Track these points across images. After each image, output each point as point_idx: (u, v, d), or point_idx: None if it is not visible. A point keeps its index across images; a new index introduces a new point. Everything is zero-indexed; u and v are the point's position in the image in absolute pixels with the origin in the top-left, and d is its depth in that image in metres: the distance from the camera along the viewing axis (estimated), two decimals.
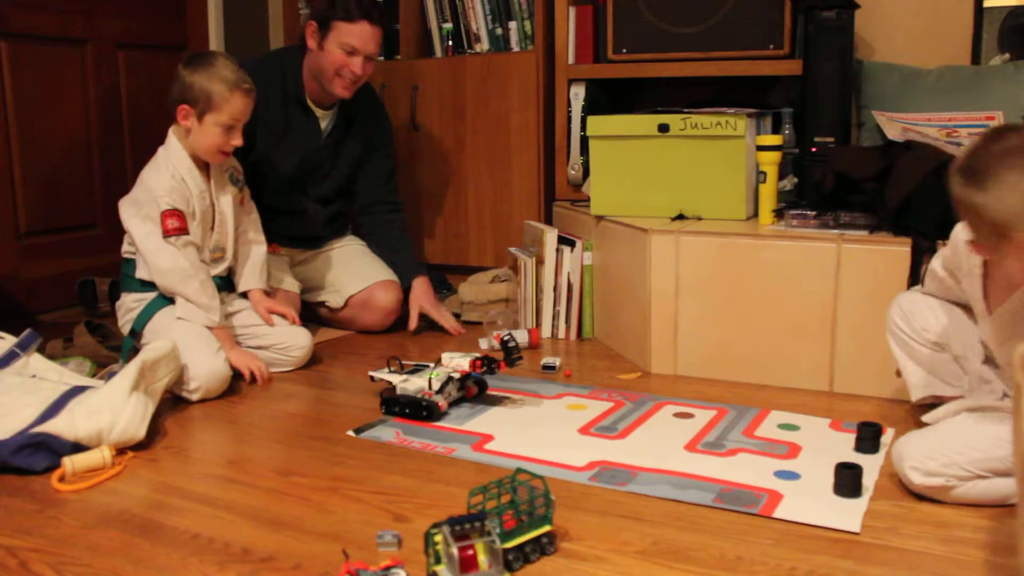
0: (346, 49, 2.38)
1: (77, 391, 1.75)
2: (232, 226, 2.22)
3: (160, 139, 2.17)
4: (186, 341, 1.97)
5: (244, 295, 2.29)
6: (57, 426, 1.63)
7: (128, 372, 1.73)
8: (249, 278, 2.27)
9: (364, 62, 2.42)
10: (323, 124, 2.55)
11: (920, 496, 1.45)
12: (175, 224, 2.06)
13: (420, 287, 2.61)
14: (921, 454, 1.43)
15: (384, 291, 2.59)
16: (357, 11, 2.37)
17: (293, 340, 2.25)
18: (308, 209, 2.61)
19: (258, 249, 2.30)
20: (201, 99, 2.06)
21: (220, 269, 2.22)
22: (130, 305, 2.16)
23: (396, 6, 3.15)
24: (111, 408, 1.67)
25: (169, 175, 2.09)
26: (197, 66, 2.08)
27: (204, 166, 2.16)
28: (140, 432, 1.70)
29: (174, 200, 2.08)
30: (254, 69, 2.21)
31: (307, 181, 2.59)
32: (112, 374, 1.86)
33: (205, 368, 1.99)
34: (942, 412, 1.56)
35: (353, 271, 2.62)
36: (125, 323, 2.16)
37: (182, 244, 2.08)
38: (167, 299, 2.11)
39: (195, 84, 2.06)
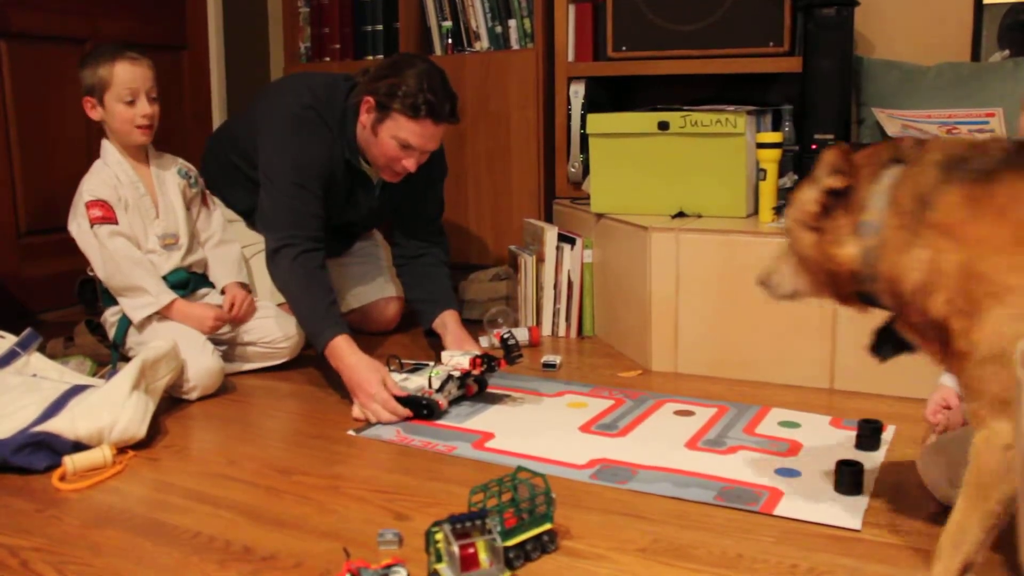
0: (401, 143, 2.08)
1: (78, 390, 1.75)
2: (183, 212, 2.20)
3: (160, 138, 2.18)
4: None
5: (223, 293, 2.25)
6: (58, 425, 1.63)
7: (129, 371, 1.73)
8: (228, 274, 2.25)
9: (420, 157, 2.12)
10: (375, 179, 2.30)
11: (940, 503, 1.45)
12: (98, 213, 2.06)
13: (449, 322, 2.26)
14: (958, 467, 1.30)
15: (384, 307, 2.58)
16: (424, 109, 2.02)
17: (279, 332, 2.23)
18: (343, 242, 2.57)
19: (230, 248, 2.29)
20: (96, 86, 2.07)
21: (177, 258, 2.17)
22: (110, 320, 2.17)
23: (396, 4, 3.15)
24: (112, 407, 1.67)
25: (97, 168, 2.12)
26: (85, 60, 2.10)
27: (142, 159, 2.17)
28: (141, 431, 1.70)
29: (97, 190, 2.08)
30: (319, 144, 2.14)
31: (356, 225, 2.52)
32: (113, 373, 1.86)
33: (197, 367, 1.99)
34: None
35: (358, 283, 2.58)
36: (111, 335, 2.18)
37: (107, 234, 2.06)
38: None
39: (87, 76, 2.08)
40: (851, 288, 1.21)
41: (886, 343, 1.26)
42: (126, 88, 2.06)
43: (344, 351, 1.93)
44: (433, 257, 2.41)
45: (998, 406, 1.04)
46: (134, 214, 2.12)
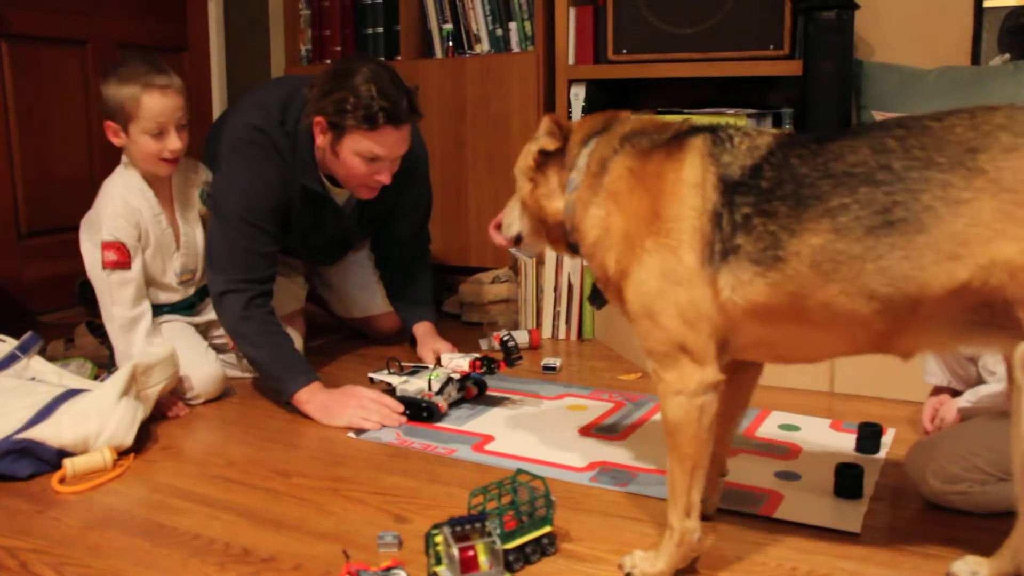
0: (366, 157, 1.95)
1: (71, 395, 1.72)
2: (202, 243, 2.10)
3: None
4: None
5: None
6: (43, 432, 1.61)
7: (118, 377, 1.71)
8: None
9: (392, 165, 2.00)
10: (341, 201, 2.18)
11: (922, 497, 1.45)
12: (112, 257, 1.94)
13: (423, 331, 2.33)
14: (942, 459, 1.38)
15: (385, 320, 2.56)
16: (381, 117, 1.88)
17: None
18: (334, 254, 2.53)
19: None
20: (119, 112, 1.91)
21: (191, 291, 2.13)
22: None
23: (396, 7, 3.15)
24: (99, 413, 1.65)
25: (119, 199, 1.97)
26: (109, 77, 1.93)
27: (165, 188, 2.05)
28: (128, 438, 1.67)
29: (117, 229, 1.95)
30: (270, 173, 2.01)
31: (334, 244, 2.43)
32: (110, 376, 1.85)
33: (200, 374, 1.98)
34: (982, 404, 1.51)
35: (359, 292, 2.55)
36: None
37: (117, 282, 1.95)
38: None
39: (110, 97, 1.92)
40: (561, 236, 1.34)
41: (597, 292, 1.37)
42: (154, 122, 1.90)
43: (317, 392, 1.90)
44: (419, 269, 2.44)
45: (661, 359, 1.17)
46: (155, 250, 2.02)
